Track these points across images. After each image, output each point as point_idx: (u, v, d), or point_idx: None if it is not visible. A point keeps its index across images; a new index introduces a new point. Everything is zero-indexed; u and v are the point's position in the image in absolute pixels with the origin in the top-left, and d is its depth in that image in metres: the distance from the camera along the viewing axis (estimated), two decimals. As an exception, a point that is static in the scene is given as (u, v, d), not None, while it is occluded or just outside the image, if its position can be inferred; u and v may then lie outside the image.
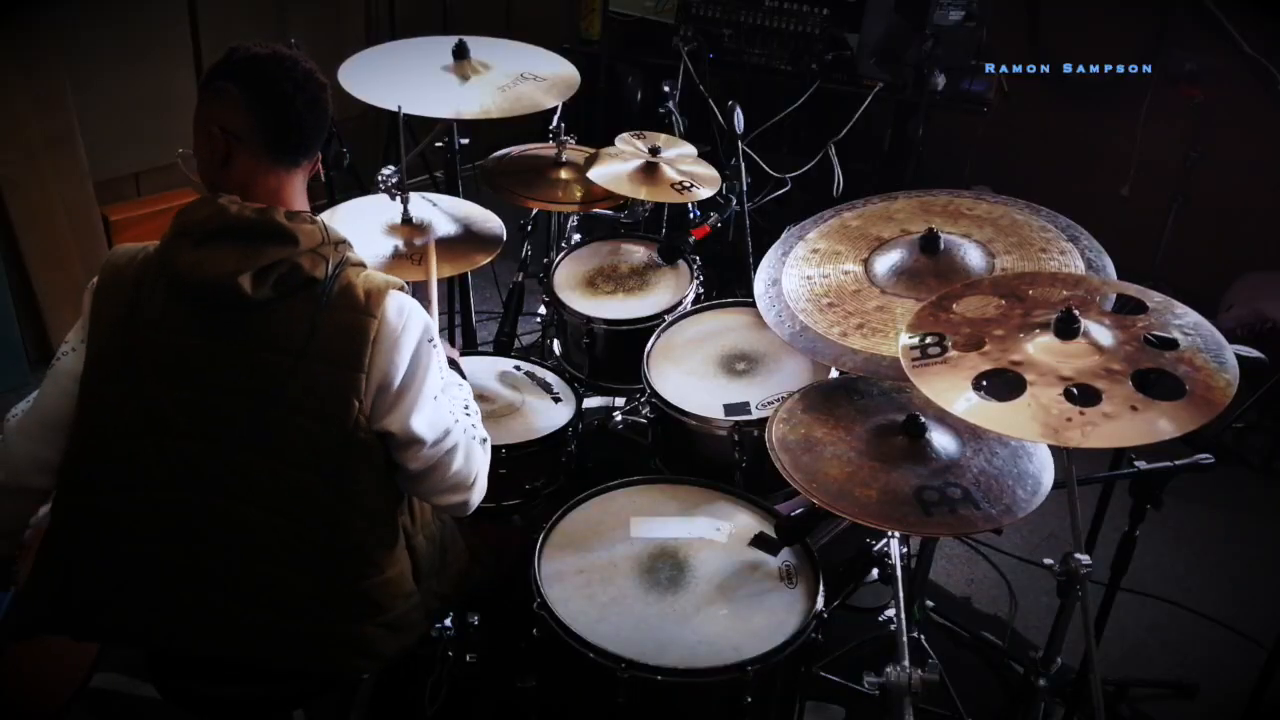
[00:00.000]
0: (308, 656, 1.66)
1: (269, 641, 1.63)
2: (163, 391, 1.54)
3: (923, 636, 2.43)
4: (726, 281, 3.15)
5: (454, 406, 1.68)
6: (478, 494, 1.71)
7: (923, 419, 1.83)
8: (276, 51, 1.55)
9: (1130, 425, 1.44)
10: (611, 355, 2.55)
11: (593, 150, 2.78)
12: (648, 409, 2.33)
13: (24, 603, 1.69)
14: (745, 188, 2.80)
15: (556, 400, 2.37)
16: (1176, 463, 1.83)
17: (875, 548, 2.32)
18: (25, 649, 1.83)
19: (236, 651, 1.65)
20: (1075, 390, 1.49)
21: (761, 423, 2.02)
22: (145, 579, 1.62)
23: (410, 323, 1.56)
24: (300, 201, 1.61)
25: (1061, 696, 2.22)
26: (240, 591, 1.60)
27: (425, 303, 2.11)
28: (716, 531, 1.96)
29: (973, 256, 1.98)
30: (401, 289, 1.60)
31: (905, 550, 2.07)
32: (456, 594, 1.87)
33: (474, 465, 1.69)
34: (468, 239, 2.44)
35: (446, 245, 2.40)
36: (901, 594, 1.84)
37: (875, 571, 2.37)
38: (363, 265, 1.61)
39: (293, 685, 1.73)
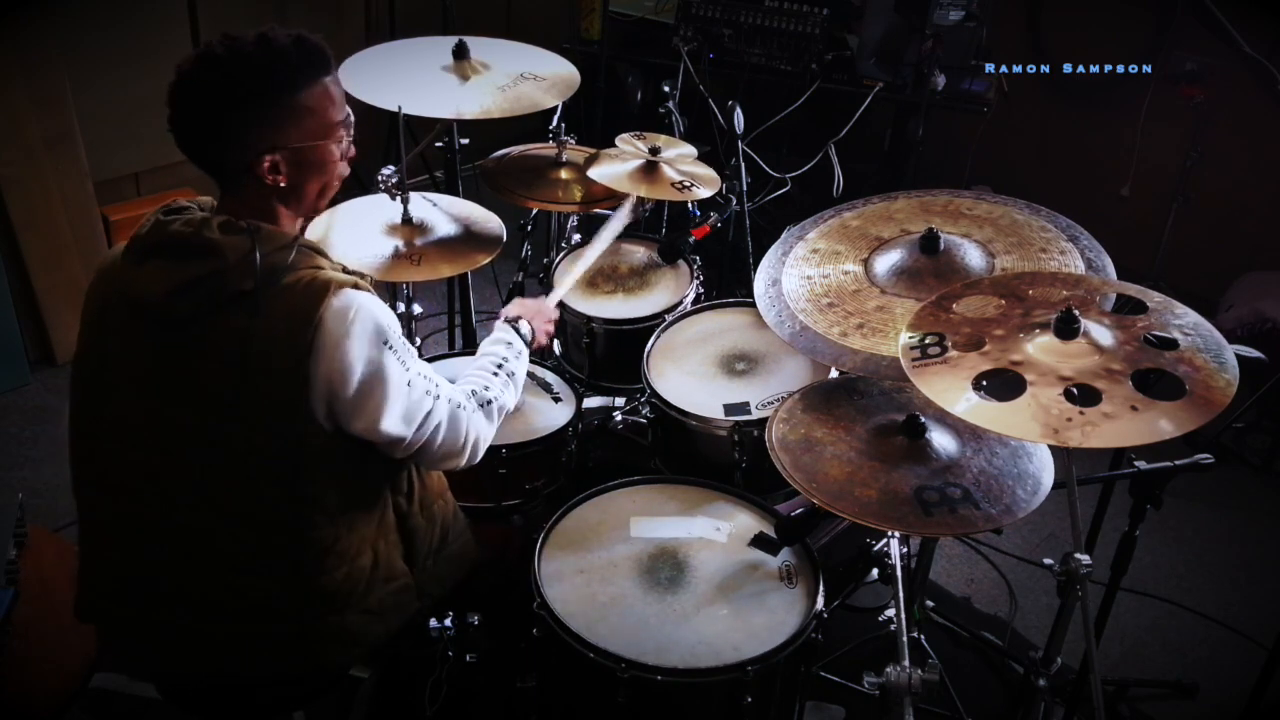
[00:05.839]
0: (285, 659, 1.64)
1: (242, 654, 1.62)
2: (128, 399, 1.53)
3: (923, 636, 2.44)
4: (726, 282, 3.15)
5: (430, 385, 1.62)
6: (469, 456, 1.71)
7: (923, 419, 1.83)
8: (198, 57, 1.48)
9: (1130, 425, 1.43)
10: (611, 355, 2.55)
11: (593, 150, 2.78)
12: (648, 409, 2.33)
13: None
14: (745, 188, 2.80)
15: (556, 400, 2.37)
16: (1176, 463, 1.83)
17: (875, 548, 2.32)
18: (25, 649, 1.83)
19: (207, 670, 1.65)
20: (1075, 390, 1.49)
21: (761, 423, 2.02)
22: (118, 594, 1.63)
23: (356, 326, 1.48)
24: (258, 211, 1.53)
25: (1061, 696, 2.22)
26: (207, 604, 1.59)
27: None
28: (716, 531, 1.96)
29: (973, 256, 1.98)
30: (356, 286, 1.52)
31: (905, 550, 2.07)
32: (457, 577, 1.86)
33: (460, 432, 1.67)
34: (468, 239, 2.44)
35: (446, 245, 2.40)
36: (901, 594, 1.84)
37: (875, 571, 2.38)
38: (318, 267, 1.53)
39: (291, 686, 1.74)
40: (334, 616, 1.64)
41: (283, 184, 1.52)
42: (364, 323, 1.49)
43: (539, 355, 2.67)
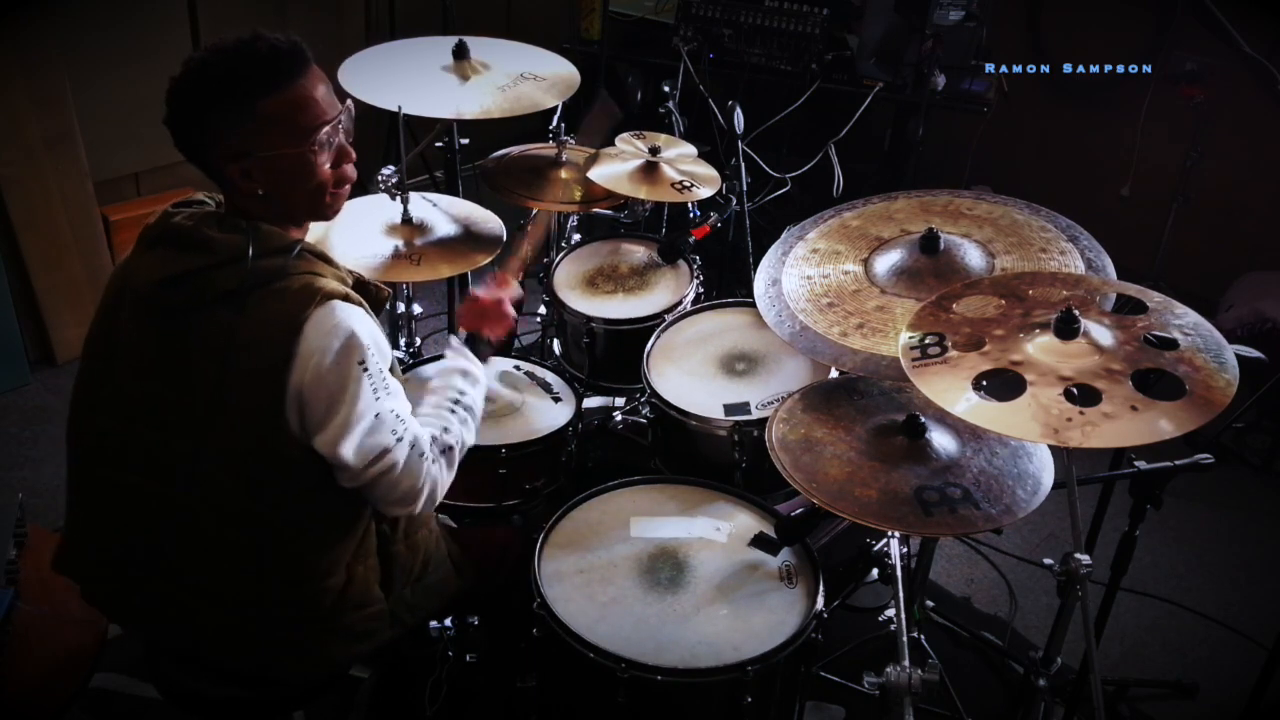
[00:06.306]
0: (257, 657, 1.65)
1: (224, 643, 1.63)
2: (131, 379, 1.54)
3: (923, 636, 2.44)
4: (726, 282, 3.15)
5: (398, 425, 1.55)
6: (424, 505, 1.62)
7: (923, 419, 1.83)
8: (183, 63, 1.48)
9: (1130, 425, 1.43)
10: (611, 355, 2.55)
11: (593, 150, 2.78)
12: (648, 409, 2.33)
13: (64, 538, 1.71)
14: (745, 188, 2.80)
15: (556, 400, 2.37)
16: (1176, 463, 1.83)
17: (875, 548, 2.32)
18: (25, 649, 1.83)
19: (189, 644, 1.66)
20: (1075, 390, 1.49)
21: (761, 423, 2.02)
22: (113, 557, 1.64)
23: (334, 340, 1.45)
24: (256, 214, 1.51)
25: (1061, 696, 2.22)
26: (188, 583, 1.60)
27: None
28: (716, 531, 1.96)
29: (973, 256, 1.98)
30: (346, 298, 1.49)
31: (905, 550, 2.07)
32: (434, 607, 1.83)
33: (418, 482, 1.59)
34: (468, 239, 2.44)
35: (446, 245, 2.41)
36: (901, 594, 1.84)
37: (875, 571, 2.38)
38: (315, 273, 1.50)
39: (291, 687, 1.74)
40: (299, 627, 1.63)
41: (260, 192, 1.50)
42: (343, 337, 1.46)
43: (539, 355, 2.67)
